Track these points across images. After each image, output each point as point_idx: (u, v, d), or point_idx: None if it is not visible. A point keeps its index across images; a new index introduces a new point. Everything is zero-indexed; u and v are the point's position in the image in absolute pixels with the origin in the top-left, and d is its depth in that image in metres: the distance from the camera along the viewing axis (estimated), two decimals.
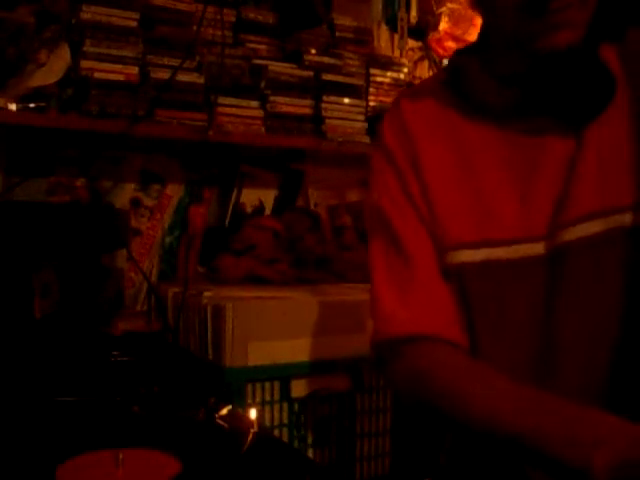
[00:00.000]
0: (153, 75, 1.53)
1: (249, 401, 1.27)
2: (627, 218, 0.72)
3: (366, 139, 1.81)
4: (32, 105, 1.40)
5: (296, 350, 1.30)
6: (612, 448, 0.60)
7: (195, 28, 1.60)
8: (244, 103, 1.65)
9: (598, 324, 0.74)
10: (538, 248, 0.76)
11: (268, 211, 1.87)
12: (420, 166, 0.82)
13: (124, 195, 1.70)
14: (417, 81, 2.02)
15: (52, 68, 1.42)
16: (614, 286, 0.73)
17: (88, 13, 1.48)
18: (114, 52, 1.49)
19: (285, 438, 1.31)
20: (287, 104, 1.70)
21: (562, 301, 0.75)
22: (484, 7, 0.77)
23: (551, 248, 0.75)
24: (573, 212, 0.74)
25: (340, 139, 1.77)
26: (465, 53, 0.85)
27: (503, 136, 0.78)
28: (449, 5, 2.03)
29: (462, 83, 0.82)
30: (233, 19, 1.73)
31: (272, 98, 1.68)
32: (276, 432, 1.30)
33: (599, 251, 0.73)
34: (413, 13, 2.09)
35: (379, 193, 0.86)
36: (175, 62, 1.55)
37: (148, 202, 1.73)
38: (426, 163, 0.82)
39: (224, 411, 0.89)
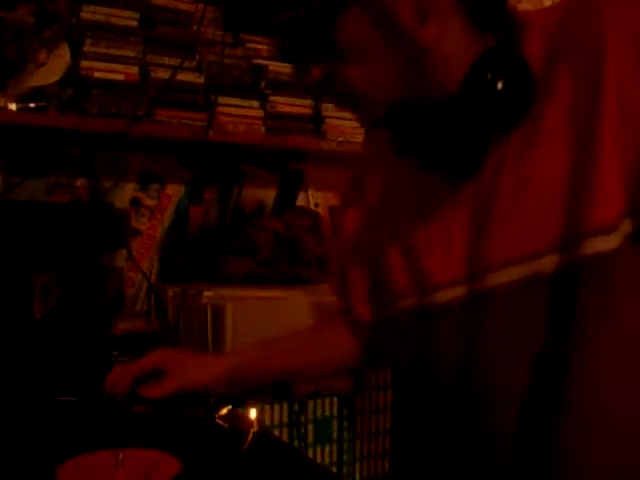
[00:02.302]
0: (153, 75, 1.53)
1: (249, 401, 1.27)
2: (547, 263, 0.67)
3: None
4: (32, 105, 1.40)
5: None
6: None
7: (195, 28, 1.60)
8: (244, 103, 1.65)
9: (514, 367, 0.71)
10: (460, 291, 0.75)
11: (268, 211, 1.87)
12: (371, 215, 0.90)
13: (124, 195, 1.70)
14: None
15: (52, 68, 1.42)
16: (532, 334, 0.69)
17: (88, 13, 1.48)
18: (114, 52, 1.49)
19: (285, 438, 1.31)
20: (287, 104, 1.70)
21: (483, 344, 0.73)
22: None
23: (473, 291, 0.74)
24: (491, 258, 0.71)
25: (340, 139, 1.77)
26: None
27: (419, 183, 0.79)
28: None
29: None
30: None
31: (272, 98, 1.68)
32: (276, 432, 1.30)
33: (518, 297, 0.70)
34: None
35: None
36: (175, 62, 1.55)
37: (148, 202, 1.73)
38: (374, 211, 0.89)
39: (224, 411, 0.89)
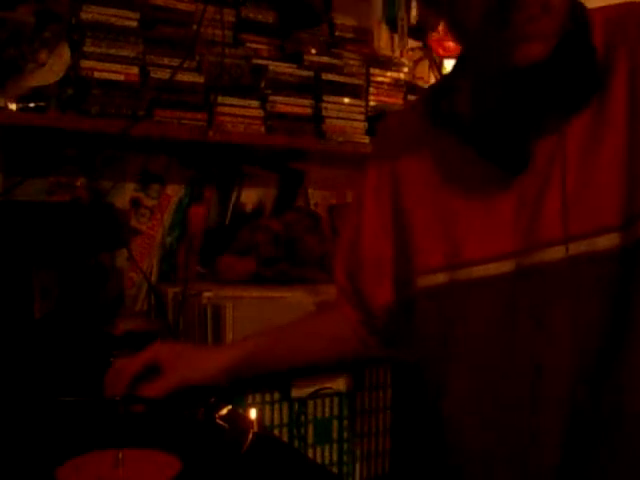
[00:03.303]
0: (153, 75, 1.53)
1: (249, 401, 1.27)
2: (611, 239, 0.70)
3: (366, 139, 1.81)
4: (32, 105, 1.40)
5: None
6: None
7: (195, 28, 1.60)
8: (244, 103, 1.65)
9: (577, 344, 0.72)
10: (502, 267, 0.76)
11: (268, 211, 1.88)
12: (399, 188, 0.88)
13: (124, 195, 1.70)
14: (417, 81, 2.03)
15: (52, 68, 1.42)
16: (591, 308, 0.71)
17: (88, 13, 1.48)
18: (114, 52, 1.49)
19: (285, 438, 1.31)
20: (287, 104, 1.70)
21: (530, 319, 0.74)
22: (455, 29, 0.75)
23: (521, 267, 0.75)
24: (549, 232, 0.73)
25: (340, 139, 1.77)
26: (442, 83, 0.89)
27: (468, 167, 0.80)
28: None
29: (440, 100, 0.84)
30: (233, 19, 1.73)
31: (272, 98, 1.68)
32: (276, 432, 1.30)
33: (577, 272, 0.71)
34: (413, 13, 2.08)
35: (363, 197, 0.95)
36: (175, 62, 1.55)
37: (148, 202, 1.73)
38: (404, 185, 0.88)
39: (224, 411, 0.89)
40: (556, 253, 0.72)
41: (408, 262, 0.86)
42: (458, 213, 0.81)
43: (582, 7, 0.73)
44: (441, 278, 0.81)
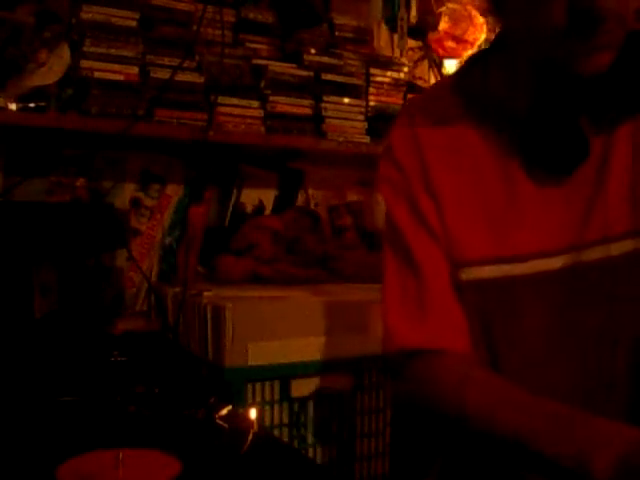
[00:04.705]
0: (153, 75, 1.53)
1: (249, 401, 1.27)
2: None
3: (366, 139, 1.81)
4: (32, 105, 1.40)
5: (296, 350, 1.30)
6: (613, 450, 0.60)
7: (195, 28, 1.60)
8: (244, 103, 1.65)
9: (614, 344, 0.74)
10: (555, 263, 0.76)
11: (268, 211, 1.87)
12: (432, 182, 0.82)
13: (124, 195, 1.70)
14: (417, 81, 2.03)
15: (52, 68, 1.42)
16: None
17: (88, 13, 1.48)
18: (114, 52, 1.49)
19: (285, 438, 1.31)
20: (287, 104, 1.70)
21: (587, 316, 0.75)
22: (513, 23, 0.74)
23: (571, 263, 0.76)
24: (607, 229, 0.74)
25: (340, 139, 1.77)
26: (480, 60, 0.84)
27: (518, 149, 0.78)
28: (449, 5, 2.03)
29: (478, 88, 0.82)
30: (233, 19, 1.73)
31: (272, 98, 1.68)
32: (276, 432, 1.30)
33: (627, 270, 0.74)
34: (413, 13, 2.08)
35: (391, 206, 0.86)
36: (175, 62, 1.55)
37: (148, 202, 1.73)
38: (438, 179, 0.82)
39: (224, 411, 0.89)
40: (625, 247, 0.74)
41: (449, 255, 0.81)
42: (503, 205, 0.79)
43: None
44: (487, 271, 0.79)
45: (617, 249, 0.74)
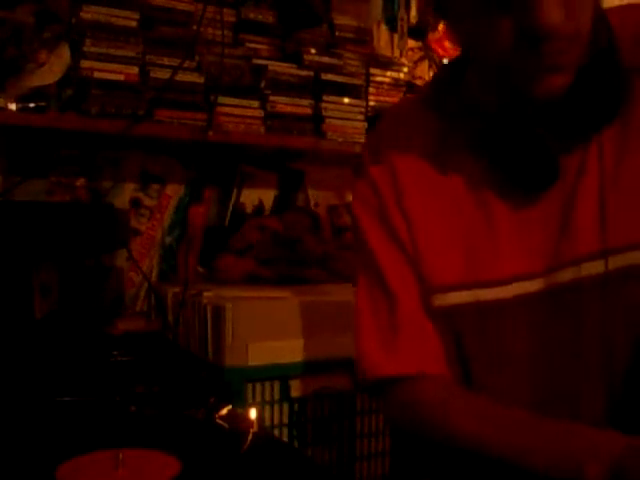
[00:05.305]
0: (153, 75, 1.53)
1: (249, 401, 1.27)
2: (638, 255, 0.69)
3: None
4: (32, 105, 1.40)
5: (296, 350, 1.31)
6: (605, 458, 0.60)
7: (195, 28, 1.60)
8: (244, 103, 1.65)
9: (605, 359, 0.72)
10: (532, 286, 0.74)
11: (268, 211, 1.87)
12: (404, 202, 0.81)
13: (124, 195, 1.70)
14: (417, 81, 2.02)
15: (52, 68, 1.42)
16: (619, 326, 0.71)
17: (88, 13, 1.48)
18: (114, 52, 1.49)
19: (285, 438, 1.31)
20: (287, 104, 1.70)
21: (565, 337, 0.74)
22: (468, 42, 0.72)
23: (548, 285, 0.74)
24: (577, 249, 0.72)
25: (340, 139, 1.77)
26: (453, 70, 0.82)
27: (492, 170, 0.76)
28: None
29: (451, 101, 0.80)
30: (233, 19, 1.73)
31: (272, 98, 1.68)
32: (276, 432, 1.30)
33: (607, 289, 0.71)
34: (413, 13, 2.08)
35: (364, 228, 0.84)
36: (175, 62, 1.55)
37: (148, 202, 1.73)
38: (412, 203, 0.80)
39: (224, 411, 0.89)
40: (594, 268, 0.71)
41: (422, 280, 0.80)
42: (479, 229, 0.77)
43: (603, 17, 0.70)
44: (462, 297, 0.77)
45: (586, 270, 0.71)
